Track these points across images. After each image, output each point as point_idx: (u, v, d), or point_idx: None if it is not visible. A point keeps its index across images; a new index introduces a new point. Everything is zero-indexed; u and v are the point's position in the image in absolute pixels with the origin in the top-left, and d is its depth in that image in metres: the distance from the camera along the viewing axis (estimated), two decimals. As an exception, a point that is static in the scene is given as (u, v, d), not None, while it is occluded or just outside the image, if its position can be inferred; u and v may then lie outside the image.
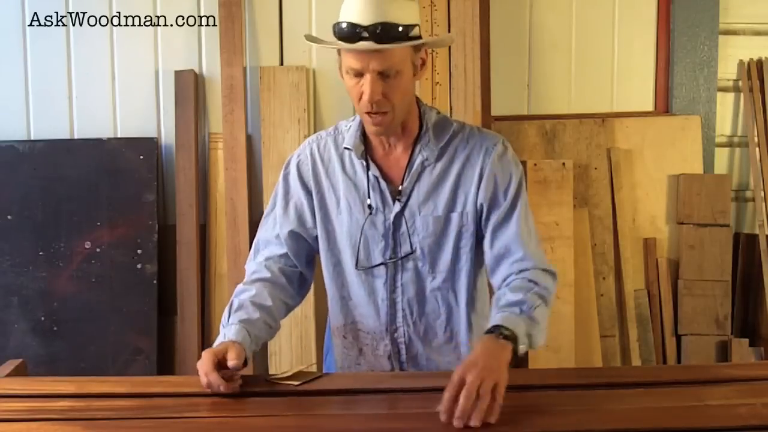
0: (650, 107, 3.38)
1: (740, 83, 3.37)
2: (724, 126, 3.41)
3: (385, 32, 1.52)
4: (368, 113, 1.59)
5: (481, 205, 1.68)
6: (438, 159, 1.68)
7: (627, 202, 3.26)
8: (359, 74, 1.56)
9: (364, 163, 1.69)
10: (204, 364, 1.46)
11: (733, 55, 3.37)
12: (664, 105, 3.36)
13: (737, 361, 3.09)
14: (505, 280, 1.65)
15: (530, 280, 1.61)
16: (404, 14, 1.55)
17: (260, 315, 1.62)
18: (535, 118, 3.29)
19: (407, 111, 1.66)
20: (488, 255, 1.69)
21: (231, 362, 1.46)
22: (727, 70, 3.38)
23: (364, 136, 1.70)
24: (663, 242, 3.29)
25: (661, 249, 3.28)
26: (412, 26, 1.56)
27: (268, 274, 1.72)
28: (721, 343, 3.21)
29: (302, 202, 1.75)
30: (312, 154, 1.76)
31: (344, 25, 1.54)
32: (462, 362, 1.38)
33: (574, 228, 3.12)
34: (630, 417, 1.38)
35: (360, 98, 1.58)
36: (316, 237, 1.77)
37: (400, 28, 1.53)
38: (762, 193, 3.28)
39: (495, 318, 1.53)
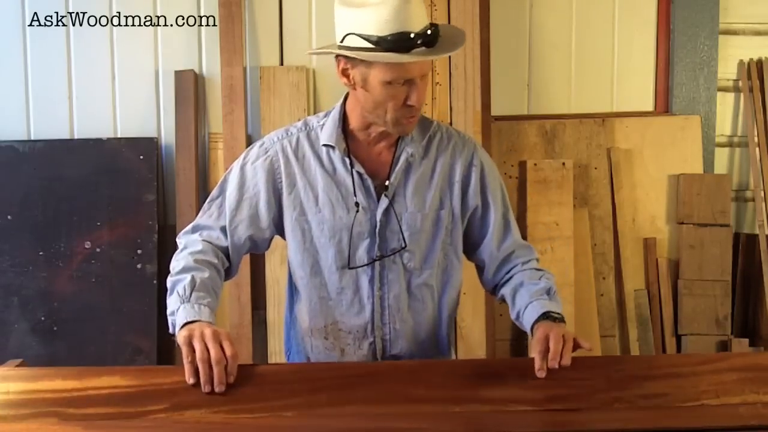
0: (650, 107, 3.38)
1: (740, 83, 3.37)
2: (724, 126, 3.41)
3: (434, 33, 1.52)
4: (408, 116, 1.59)
5: (476, 206, 1.73)
6: (423, 156, 1.70)
7: (627, 202, 3.26)
8: (408, 81, 1.54)
9: (347, 159, 1.67)
10: (215, 350, 1.41)
11: (733, 55, 3.37)
12: (664, 105, 3.36)
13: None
14: (508, 273, 1.75)
15: (536, 269, 1.74)
16: (425, 13, 1.55)
17: (213, 301, 1.57)
18: (535, 118, 3.28)
19: None
20: (492, 256, 1.75)
21: (231, 377, 1.43)
22: (727, 70, 3.38)
23: (343, 132, 1.68)
24: (663, 242, 3.29)
25: (661, 249, 3.28)
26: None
27: (215, 260, 1.65)
28: (721, 343, 3.21)
29: (259, 200, 1.69)
30: (284, 151, 1.70)
31: (390, 37, 1.49)
32: (535, 338, 1.53)
33: (574, 228, 3.12)
34: (630, 417, 1.38)
35: (403, 103, 1.56)
36: (268, 238, 1.73)
37: (437, 25, 1.54)
38: (762, 193, 3.28)
39: (534, 306, 1.62)
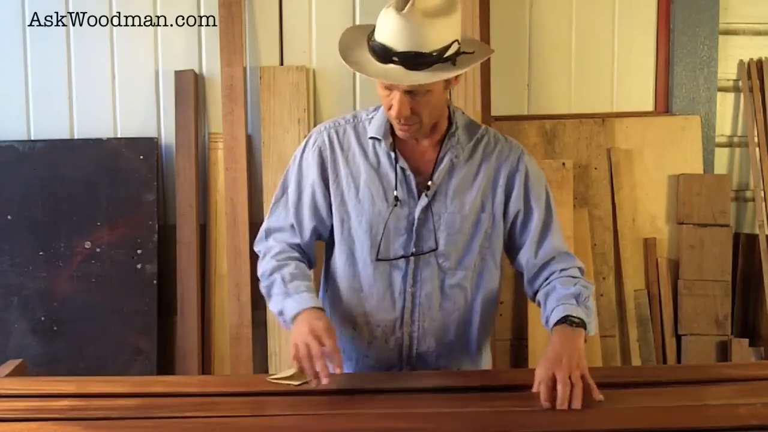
0: (650, 107, 3.38)
1: (740, 83, 3.37)
2: (724, 126, 3.41)
3: (416, 60, 1.51)
4: (396, 122, 1.62)
5: (518, 211, 1.74)
6: (467, 159, 1.71)
7: (627, 202, 3.26)
8: (390, 89, 1.57)
9: (392, 154, 1.69)
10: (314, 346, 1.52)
11: (733, 55, 3.37)
12: (664, 105, 3.36)
13: (737, 361, 3.09)
14: (546, 279, 1.74)
15: (573, 276, 1.73)
16: (442, 33, 1.52)
17: (309, 285, 1.68)
18: (535, 118, 3.28)
19: (437, 118, 1.68)
20: (530, 262, 1.75)
21: (338, 369, 1.52)
22: (727, 70, 3.38)
23: (391, 127, 1.69)
24: (663, 242, 3.29)
25: (661, 249, 3.28)
26: (448, 47, 1.53)
27: (296, 254, 1.74)
28: (721, 343, 3.21)
29: (315, 191, 1.73)
30: (330, 140, 1.74)
31: (377, 45, 1.54)
32: (545, 357, 1.49)
33: (574, 228, 3.12)
34: (630, 417, 1.38)
35: (389, 108, 1.60)
36: (331, 226, 1.76)
37: (434, 54, 1.51)
38: (762, 193, 3.28)
39: (558, 310, 1.62)
